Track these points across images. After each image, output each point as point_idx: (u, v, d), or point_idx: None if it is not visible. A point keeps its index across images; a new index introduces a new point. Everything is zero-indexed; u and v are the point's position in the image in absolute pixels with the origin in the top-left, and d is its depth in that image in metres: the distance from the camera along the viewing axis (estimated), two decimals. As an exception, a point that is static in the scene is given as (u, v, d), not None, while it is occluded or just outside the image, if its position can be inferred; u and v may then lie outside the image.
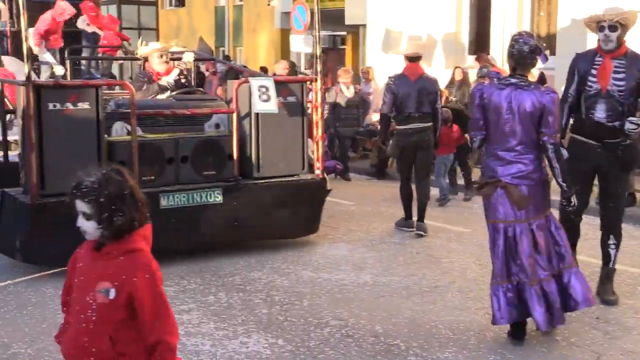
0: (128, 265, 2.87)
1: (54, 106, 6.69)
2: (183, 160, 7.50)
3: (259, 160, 7.82)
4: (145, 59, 9.59)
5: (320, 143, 8.24)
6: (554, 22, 14.03)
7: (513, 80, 5.21)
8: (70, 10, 11.83)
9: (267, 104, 7.61)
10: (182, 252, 7.44)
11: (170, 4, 29.94)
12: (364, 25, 18.12)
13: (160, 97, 8.80)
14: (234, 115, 7.63)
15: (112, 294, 2.85)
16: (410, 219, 8.90)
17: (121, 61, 14.77)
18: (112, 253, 2.91)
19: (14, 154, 8.17)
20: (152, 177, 7.32)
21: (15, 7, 13.97)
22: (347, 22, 18.39)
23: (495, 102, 5.18)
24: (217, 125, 8.24)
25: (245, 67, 14.76)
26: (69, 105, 6.74)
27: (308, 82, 8.32)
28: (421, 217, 8.74)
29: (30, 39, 11.06)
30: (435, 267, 7.45)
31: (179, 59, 9.68)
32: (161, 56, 9.02)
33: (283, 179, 7.95)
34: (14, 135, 9.39)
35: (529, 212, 5.20)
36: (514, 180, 5.17)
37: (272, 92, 7.63)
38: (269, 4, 23.74)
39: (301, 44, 15.87)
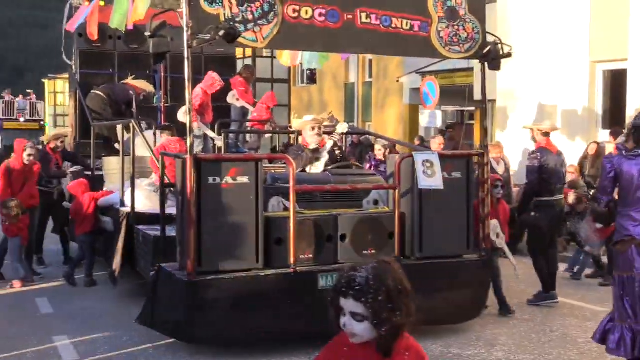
0: None
1: (214, 180, 6.46)
2: (342, 238, 7.09)
3: (421, 239, 7.31)
4: (299, 132, 9.38)
5: (487, 222, 7.65)
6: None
7: None
8: (219, 82, 11.90)
9: (432, 179, 7.14)
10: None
11: (302, 82, 30.90)
12: (493, 101, 17.87)
13: (314, 171, 8.54)
14: (396, 192, 7.18)
15: None
16: (553, 291, 8.87)
17: (269, 135, 14.78)
18: (402, 353, 2.55)
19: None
20: (310, 256, 6.93)
21: (167, 83, 14.34)
22: (477, 97, 18.05)
23: (626, 171, 5.82)
24: (376, 202, 7.84)
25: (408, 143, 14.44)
26: (229, 180, 6.50)
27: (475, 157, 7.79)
28: (554, 286, 8.89)
29: (179, 114, 11.15)
30: (572, 347, 7.09)
31: (331, 132, 9.42)
32: (313, 128, 8.79)
33: (446, 260, 7.39)
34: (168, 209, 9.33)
35: None
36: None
37: (437, 167, 7.17)
38: (397, 81, 24.08)
39: (431, 119, 15.73)
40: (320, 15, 6.80)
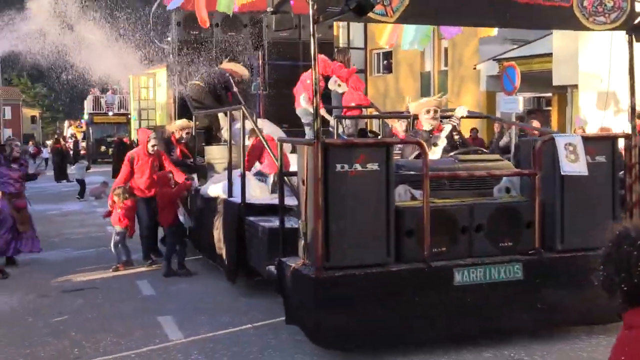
0: None
1: (342, 167, 5.94)
2: (477, 229, 6.49)
3: (563, 229, 6.65)
4: (415, 116, 8.80)
5: (637, 210, 6.92)
6: None
7: None
8: (331, 63, 11.53)
9: (575, 164, 6.49)
10: (474, 337, 6.40)
11: (378, 71, 31.25)
12: (573, 86, 17.62)
13: (432, 157, 7.96)
14: (537, 178, 6.53)
15: None
16: None
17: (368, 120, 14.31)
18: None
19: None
20: (444, 249, 6.37)
21: (265, 71, 13.94)
22: (555, 83, 18.33)
23: None
24: (508, 190, 7.20)
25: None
26: (357, 167, 5.98)
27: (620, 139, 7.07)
28: None
29: (302, 101, 10.75)
30: None
31: (449, 116, 8.80)
32: (428, 111, 8.21)
33: (591, 253, 6.68)
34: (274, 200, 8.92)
35: None
36: None
37: (581, 151, 6.52)
38: (474, 68, 24.31)
39: (511, 105, 15.43)
40: (455, -15, 6.21)
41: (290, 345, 6.58)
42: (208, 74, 12.52)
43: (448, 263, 6.26)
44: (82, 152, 46.75)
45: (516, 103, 15.96)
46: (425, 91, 27.84)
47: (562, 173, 6.51)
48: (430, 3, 6.15)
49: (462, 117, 8.86)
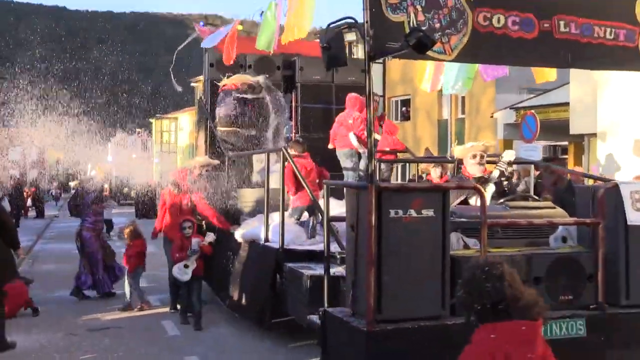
0: None
1: (396, 213, 5.58)
2: (536, 281, 6.08)
3: (628, 283, 6.23)
4: (459, 161, 8.47)
5: None
6: None
7: None
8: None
9: (641, 213, 6.08)
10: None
11: (396, 119, 31.37)
12: (591, 135, 17.77)
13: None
14: (600, 227, 6.13)
15: None
16: None
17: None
18: None
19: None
20: (501, 302, 5.94)
21: (298, 113, 13.68)
22: (572, 131, 18.48)
23: None
24: (564, 239, 6.79)
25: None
26: (412, 212, 5.60)
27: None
28: None
29: (353, 140, 10.49)
30: None
31: (496, 161, 8.45)
32: (475, 156, 7.89)
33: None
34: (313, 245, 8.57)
35: None
36: None
37: (648, 199, 6.11)
38: (492, 116, 24.87)
39: (531, 153, 15.60)
40: (514, 23, 5.89)
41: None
42: (224, 104, 12.11)
43: (506, 317, 5.83)
44: (105, 193, 46.75)
45: (536, 150, 15.95)
46: (442, 139, 28.64)
47: (629, 223, 6.11)
48: (490, 41, 5.84)
49: (510, 162, 8.52)
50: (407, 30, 5.46)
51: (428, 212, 5.67)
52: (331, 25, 5.57)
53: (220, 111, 12.07)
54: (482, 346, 3.27)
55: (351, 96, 10.96)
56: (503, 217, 6.67)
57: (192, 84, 48.13)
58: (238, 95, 11.99)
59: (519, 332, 3.29)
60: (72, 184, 47.91)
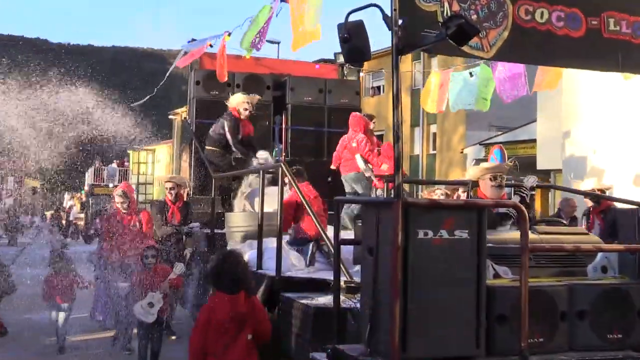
0: None
1: (425, 234, 4.76)
2: (580, 316, 5.27)
3: (683, 320, 5.44)
4: (475, 183, 7.71)
5: None
6: None
7: None
8: (368, 120, 10.82)
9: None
10: None
11: None
12: (556, 170, 17.87)
13: (504, 230, 6.84)
14: (651, 256, 5.36)
15: None
16: None
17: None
18: None
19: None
20: (541, 340, 5.12)
21: (287, 136, 12.93)
22: (540, 167, 18.80)
23: None
24: (604, 269, 6.00)
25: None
26: (444, 233, 4.79)
27: None
28: None
29: (360, 162, 9.82)
30: None
31: (517, 185, 7.72)
32: (495, 178, 7.16)
33: None
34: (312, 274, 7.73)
35: None
36: None
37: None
38: (462, 152, 25.94)
39: None
40: (559, 19, 5.15)
41: None
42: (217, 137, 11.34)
43: (547, 357, 5.02)
44: (75, 221, 45.49)
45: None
46: (413, 174, 29.77)
47: (684, 252, 5.35)
48: (533, 38, 5.08)
49: (533, 188, 7.77)
50: (441, 21, 4.70)
51: (462, 234, 4.84)
52: (352, 12, 4.76)
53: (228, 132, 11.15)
54: None
55: (354, 116, 10.27)
56: (534, 243, 5.89)
57: (170, 117, 47.39)
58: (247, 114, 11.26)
59: None
60: (47, 213, 46.73)
